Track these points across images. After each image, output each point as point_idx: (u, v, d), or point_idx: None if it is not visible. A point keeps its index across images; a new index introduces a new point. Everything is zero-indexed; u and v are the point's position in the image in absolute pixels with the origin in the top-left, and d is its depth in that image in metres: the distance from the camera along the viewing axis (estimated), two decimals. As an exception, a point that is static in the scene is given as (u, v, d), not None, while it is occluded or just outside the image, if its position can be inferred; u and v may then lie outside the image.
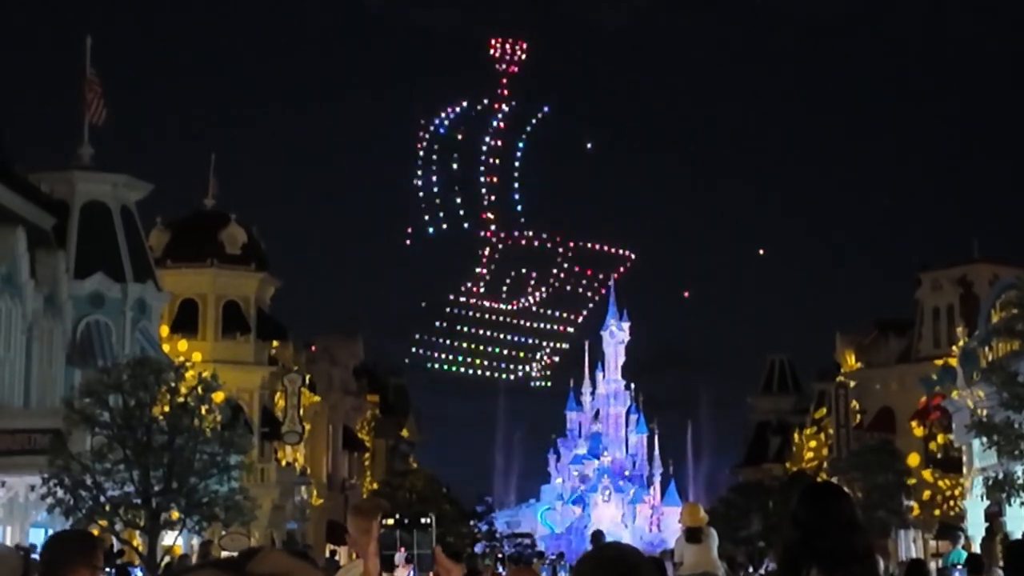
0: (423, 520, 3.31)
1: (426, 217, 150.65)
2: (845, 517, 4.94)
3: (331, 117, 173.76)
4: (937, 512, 49.78)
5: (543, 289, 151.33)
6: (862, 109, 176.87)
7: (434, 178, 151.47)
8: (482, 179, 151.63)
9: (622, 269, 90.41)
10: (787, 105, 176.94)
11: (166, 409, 30.05)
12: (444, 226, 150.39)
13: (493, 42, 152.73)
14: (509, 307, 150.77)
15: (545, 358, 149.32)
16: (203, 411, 30.27)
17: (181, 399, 30.19)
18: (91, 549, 5.92)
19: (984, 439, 29.85)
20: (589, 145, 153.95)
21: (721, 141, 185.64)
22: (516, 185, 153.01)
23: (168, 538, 32.09)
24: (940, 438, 51.34)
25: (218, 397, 31.10)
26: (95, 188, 39.70)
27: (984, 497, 31.68)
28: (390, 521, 3.28)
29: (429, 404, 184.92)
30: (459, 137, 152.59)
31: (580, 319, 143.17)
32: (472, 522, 73.55)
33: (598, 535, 22.56)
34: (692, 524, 14.62)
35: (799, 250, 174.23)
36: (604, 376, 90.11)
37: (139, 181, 41.07)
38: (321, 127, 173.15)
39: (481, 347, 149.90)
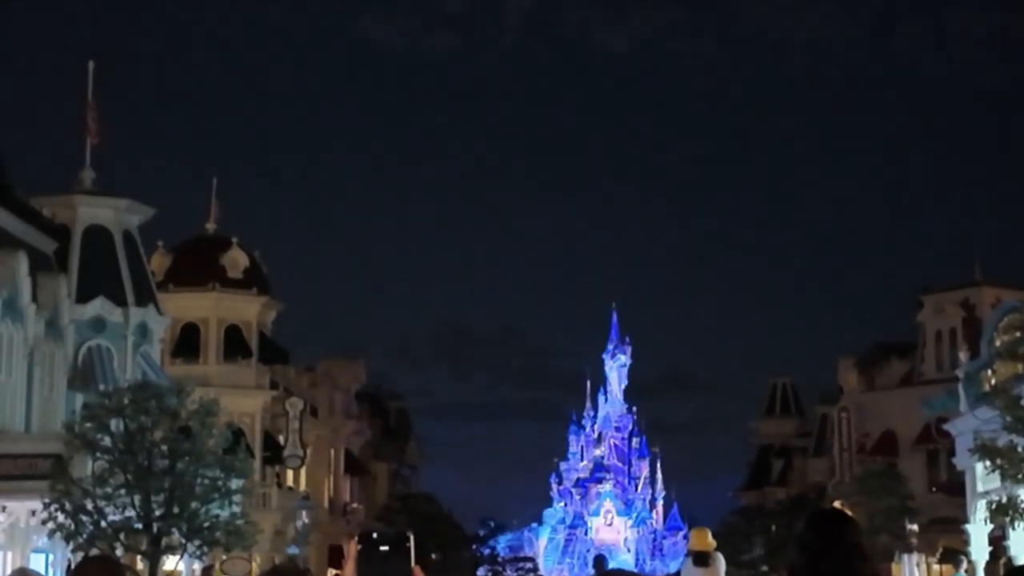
0: (402, 539, 3.26)
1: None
2: (851, 542, 4.92)
3: (333, 140, 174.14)
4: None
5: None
6: (864, 132, 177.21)
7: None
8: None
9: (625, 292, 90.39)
10: (788, 128, 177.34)
11: (169, 434, 30.00)
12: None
13: None
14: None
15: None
16: (205, 433, 30.20)
17: (182, 423, 30.13)
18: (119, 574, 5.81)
19: (987, 463, 29.74)
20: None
21: (723, 164, 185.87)
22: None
23: (169, 563, 32.01)
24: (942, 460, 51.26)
25: (217, 422, 31.04)
26: (97, 212, 39.68)
27: (987, 521, 31.55)
28: (356, 546, 3.23)
29: (431, 428, 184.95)
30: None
31: (583, 342, 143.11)
32: (474, 546, 73.39)
33: (600, 560, 22.44)
34: (700, 548, 14.54)
35: (802, 273, 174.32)
36: (606, 399, 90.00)
37: (141, 205, 41.04)
38: (323, 151, 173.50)
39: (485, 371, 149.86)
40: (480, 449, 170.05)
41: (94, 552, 27.86)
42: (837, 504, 51.88)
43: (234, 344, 51.84)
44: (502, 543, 78.11)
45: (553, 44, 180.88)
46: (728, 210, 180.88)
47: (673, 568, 53.89)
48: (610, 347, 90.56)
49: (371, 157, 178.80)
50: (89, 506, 29.36)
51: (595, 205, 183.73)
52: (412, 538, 3.24)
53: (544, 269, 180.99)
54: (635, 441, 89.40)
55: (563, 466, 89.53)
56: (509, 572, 77.27)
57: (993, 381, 34.11)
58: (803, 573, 4.94)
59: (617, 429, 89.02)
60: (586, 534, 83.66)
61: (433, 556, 60.81)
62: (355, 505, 64.44)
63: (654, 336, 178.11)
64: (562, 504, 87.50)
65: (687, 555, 15.09)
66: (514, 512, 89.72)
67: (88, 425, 30.22)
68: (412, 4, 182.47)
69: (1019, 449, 28.44)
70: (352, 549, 3.24)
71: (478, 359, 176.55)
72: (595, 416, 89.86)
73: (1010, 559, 31.09)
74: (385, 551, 3.20)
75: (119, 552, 29.69)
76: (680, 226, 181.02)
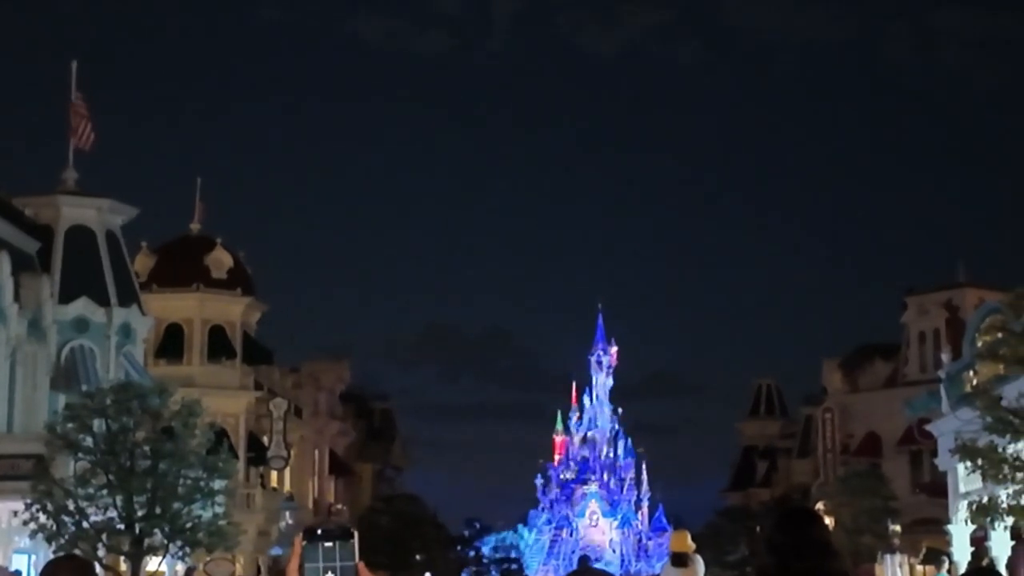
0: (347, 534, 3.25)
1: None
2: (820, 541, 4.93)
3: (319, 140, 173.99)
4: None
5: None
6: (850, 135, 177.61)
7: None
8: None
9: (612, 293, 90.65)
10: (776, 133, 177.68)
11: (151, 435, 29.93)
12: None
13: None
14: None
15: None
16: (187, 433, 30.13)
17: (164, 423, 30.07)
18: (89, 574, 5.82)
19: (968, 463, 29.76)
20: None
21: (709, 167, 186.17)
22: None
23: (152, 564, 31.91)
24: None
25: (200, 422, 30.98)
26: (80, 212, 39.54)
27: (969, 521, 31.57)
28: (301, 542, 3.21)
29: (418, 429, 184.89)
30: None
31: (569, 343, 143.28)
32: (459, 547, 73.35)
33: (584, 560, 22.46)
34: (679, 550, 14.72)
35: (787, 275, 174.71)
36: (592, 400, 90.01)
37: (124, 205, 40.91)
38: (310, 151, 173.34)
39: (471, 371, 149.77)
40: (466, 450, 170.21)
41: (76, 552, 27.84)
42: (820, 505, 52.00)
43: (218, 345, 51.72)
44: (487, 544, 78.10)
45: (541, 46, 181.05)
46: (714, 212, 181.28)
47: (658, 569, 53.84)
48: (595, 348, 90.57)
49: (358, 157, 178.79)
50: (71, 507, 29.29)
51: (582, 206, 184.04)
52: (357, 534, 3.22)
53: (531, 270, 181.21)
54: (620, 442, 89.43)
55: (549, 467, 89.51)
56: (494, 574, 77.25)
57: (975, 382, 34.15)
58: (773, 572, 4.95)
59: (602, 430, 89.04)
60: (571, 535, 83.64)
61: (418, 557, 60.76)
62: (339, 506, 64.36)
63: (640, 337, 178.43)
64: (548, 505, 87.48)
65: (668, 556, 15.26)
66: (499, 513, 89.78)
67: (70, 425, 30.14)
68: (402, 5, 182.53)
69: (1000, 450, 28.46)
70: (297, 546, 3.21)
71: (465, 360, 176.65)
72: (581, 417, 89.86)
73: (992, 560, 31.17)
74: (329, 547, 3.18)
75: (101, 553, 29.63)
76: (666, 228, 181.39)
